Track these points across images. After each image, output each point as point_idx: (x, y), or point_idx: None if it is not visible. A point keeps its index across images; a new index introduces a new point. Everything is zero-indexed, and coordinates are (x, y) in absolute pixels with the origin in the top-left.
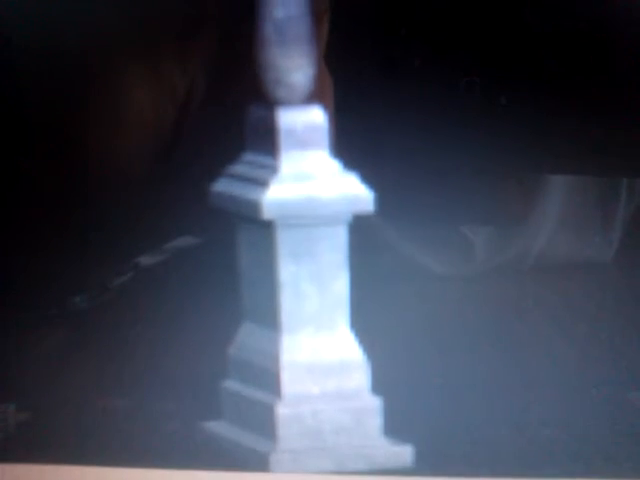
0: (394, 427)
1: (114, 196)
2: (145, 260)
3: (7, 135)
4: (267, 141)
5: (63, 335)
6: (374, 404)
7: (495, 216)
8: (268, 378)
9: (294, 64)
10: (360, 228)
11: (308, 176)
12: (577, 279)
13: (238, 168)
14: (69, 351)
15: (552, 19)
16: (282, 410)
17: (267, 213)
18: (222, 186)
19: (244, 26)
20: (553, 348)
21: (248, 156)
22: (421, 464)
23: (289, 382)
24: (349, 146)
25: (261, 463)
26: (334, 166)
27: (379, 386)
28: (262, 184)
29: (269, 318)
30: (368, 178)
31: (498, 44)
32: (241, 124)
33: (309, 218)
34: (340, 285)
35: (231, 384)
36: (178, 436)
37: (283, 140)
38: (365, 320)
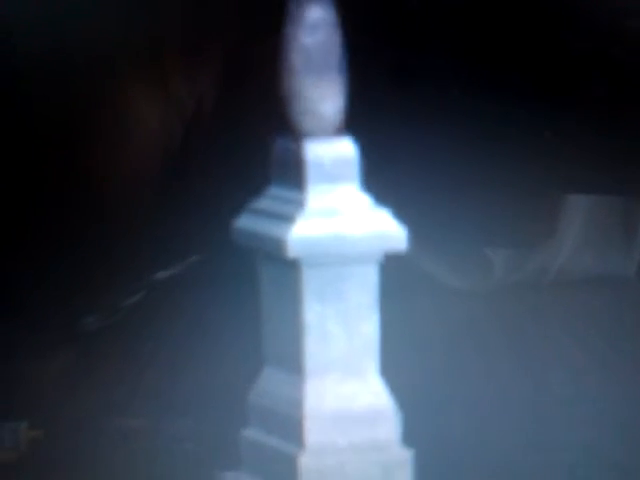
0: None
1: (124, 215)
2: (156, 279)
3: (17, 154)
4: (293, 174)
5: (75, 355)
6: (404, 456)
7: (518, 233)
8: (291, 427)
9: (323, 94)
10: None
11: (337, 212)
12: (598, 294)
13: (262, 203)
14: (82, 371)
15: (579, 37)
16: (305, 461)
17: (292, 251)
18: (245, 222)
19: (252, 42)
20: (574, 365)
21: (273, 190)
22: None
23: (313, 431)
24: (363, 160)
25: None
26: (365, 201)
27: (409, 437)
28: (287, 220)
29: (293, 362)
30: (382, 192)
31: (519, 57)
32: (252, 141)
33: (337, 256)
34: (369, 328)
35: (251, 432)
36: None
37: (310, 174)
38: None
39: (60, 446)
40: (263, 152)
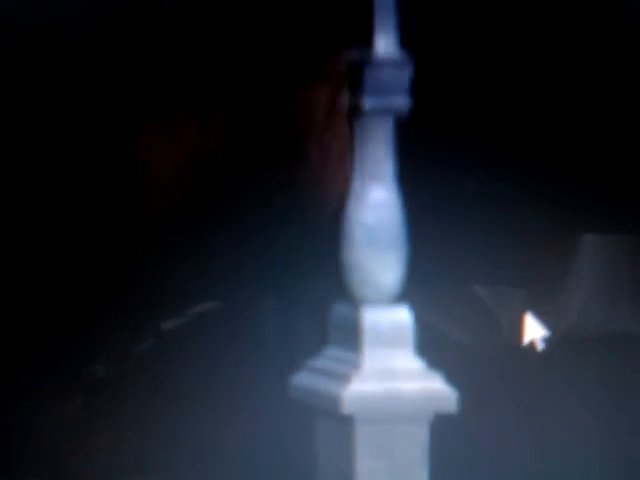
0: None
1: (134, 264)
2: (166, 326)
3: (28, 202)
4: (351, 338)
5: (84, 402)
6: None
7: (533, 280)
8: None
9: (383, 265)
10: None
11: (391, 373)
12: (609, 352)
13: (319, 362)
14: (90, 419)
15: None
16: None
17: (347, 407)
18: (302, 379)
19: (268, 94)
20: (580, 425)
21: (330, 351)
22: None
23: None
24: None
25: None
26: (418, 364)
27: None
28: (343, 378)
29: None
30: None
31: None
32: (266, 190)
33: (390, 415)
34: None
35: None
36: None
37: (367, 338)
38: None
39: None
40: (276, 201)
